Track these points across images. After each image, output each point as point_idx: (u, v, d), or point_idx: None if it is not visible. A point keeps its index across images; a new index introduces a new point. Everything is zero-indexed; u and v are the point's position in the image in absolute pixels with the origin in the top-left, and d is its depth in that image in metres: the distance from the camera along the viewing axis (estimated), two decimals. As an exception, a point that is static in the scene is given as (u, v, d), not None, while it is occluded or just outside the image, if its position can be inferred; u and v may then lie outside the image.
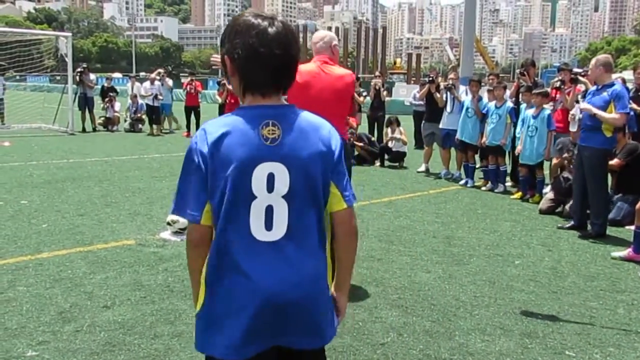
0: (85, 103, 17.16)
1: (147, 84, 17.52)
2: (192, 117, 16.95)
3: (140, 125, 17.87)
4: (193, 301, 1.96)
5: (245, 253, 1.81)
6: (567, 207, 7.65)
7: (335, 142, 1.90)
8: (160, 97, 16.97)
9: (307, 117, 1.89)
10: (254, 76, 1.82)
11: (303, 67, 4.43)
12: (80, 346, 3.56)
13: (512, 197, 8.96)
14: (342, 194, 1.90)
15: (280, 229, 1.82)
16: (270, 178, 1.79)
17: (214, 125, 1.81)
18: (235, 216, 1.80)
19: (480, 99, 9.83)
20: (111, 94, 18.36)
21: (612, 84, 6.54)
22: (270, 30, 1.79)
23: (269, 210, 1.81)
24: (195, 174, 1.79)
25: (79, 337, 3.69)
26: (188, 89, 17.15)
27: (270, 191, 1.80)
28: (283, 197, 1.81)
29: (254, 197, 1.79)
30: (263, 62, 1.78)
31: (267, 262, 1.81)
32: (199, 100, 17.54)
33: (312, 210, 1.87)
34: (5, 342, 3.59)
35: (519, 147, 8.74)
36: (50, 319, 3.93)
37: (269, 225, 1.81)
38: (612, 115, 6.36)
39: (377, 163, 12.14)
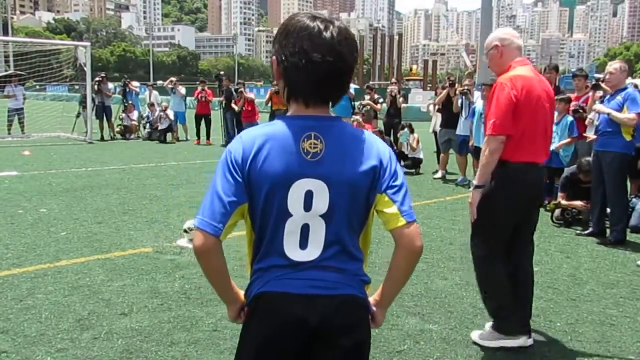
0: (103, 112, 17.32)
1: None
2: (203, 125, 16.93)
3: (157, 134, 17.97)
4: (227, 300, 1.82)
5: (277, 273, 1.69)
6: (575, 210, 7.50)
7: (389, 155, 1.74)
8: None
9: (354, 132, 1.73)
10: (299, 83, 1.66)
11: (527, 73, 3.66)
12: (98, 354, 3.59)
13: (530, 203, 8.87)
14: (400, 209, 1.71)
15: (316, 249, 1.69)
16: (309, 196, 1.65)
17: (252, 134, 1.68)
18: (268, 233, 1.69)
19: None
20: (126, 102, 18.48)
21: (626, 88, 6.54)
22: (325, 34, 1.62)
23: (305, 230, 1.67)
24: (226, 185, 1.64)
25: (97, 344, 3.71)
26: (199, 97, 17.21)
27: (307, 210, 1.66)
28: (321, 216, 1.67)
29: (290, 215, 1.66)
30: (311, 69, 1.62)
31: (298, 284, 1.67)
32: (211, 108, 17.51)
33: (352, 231, 1.73)
34: (25, 349, 3.62)
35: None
36: (69, 327, 3.96)
37: (304, 245, 1.68)
38: (626, 115, 6.32)
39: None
